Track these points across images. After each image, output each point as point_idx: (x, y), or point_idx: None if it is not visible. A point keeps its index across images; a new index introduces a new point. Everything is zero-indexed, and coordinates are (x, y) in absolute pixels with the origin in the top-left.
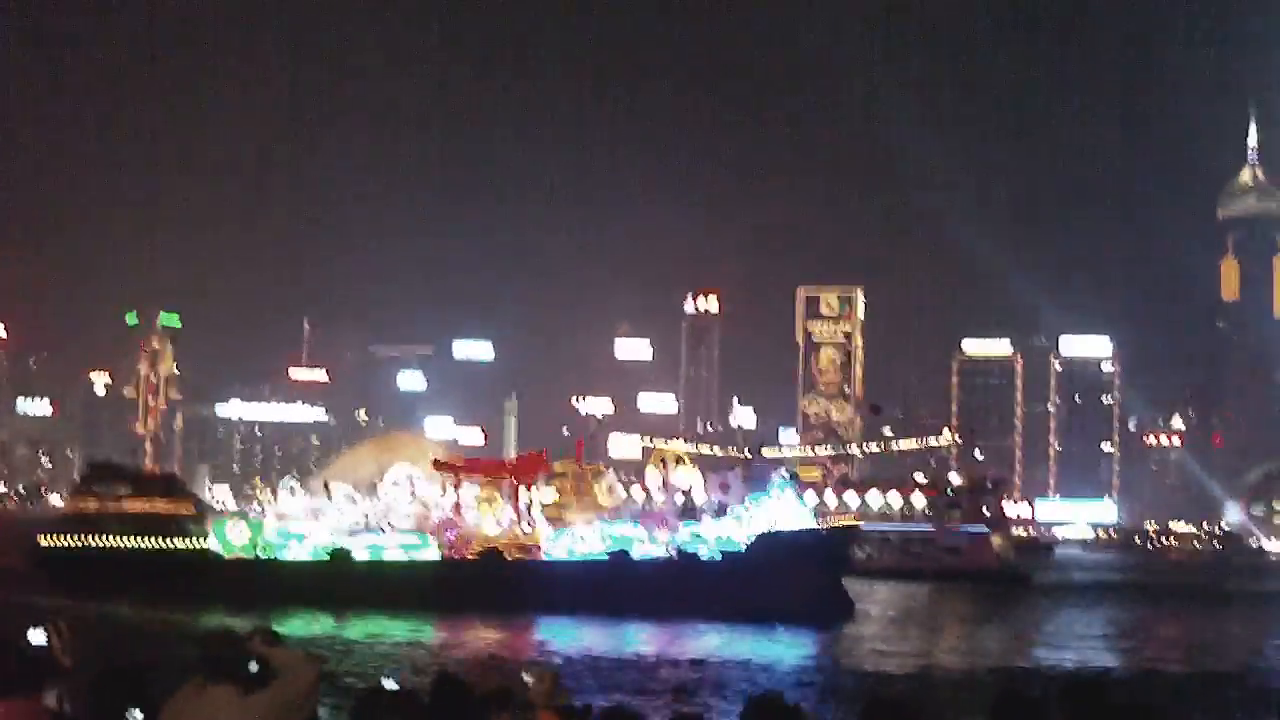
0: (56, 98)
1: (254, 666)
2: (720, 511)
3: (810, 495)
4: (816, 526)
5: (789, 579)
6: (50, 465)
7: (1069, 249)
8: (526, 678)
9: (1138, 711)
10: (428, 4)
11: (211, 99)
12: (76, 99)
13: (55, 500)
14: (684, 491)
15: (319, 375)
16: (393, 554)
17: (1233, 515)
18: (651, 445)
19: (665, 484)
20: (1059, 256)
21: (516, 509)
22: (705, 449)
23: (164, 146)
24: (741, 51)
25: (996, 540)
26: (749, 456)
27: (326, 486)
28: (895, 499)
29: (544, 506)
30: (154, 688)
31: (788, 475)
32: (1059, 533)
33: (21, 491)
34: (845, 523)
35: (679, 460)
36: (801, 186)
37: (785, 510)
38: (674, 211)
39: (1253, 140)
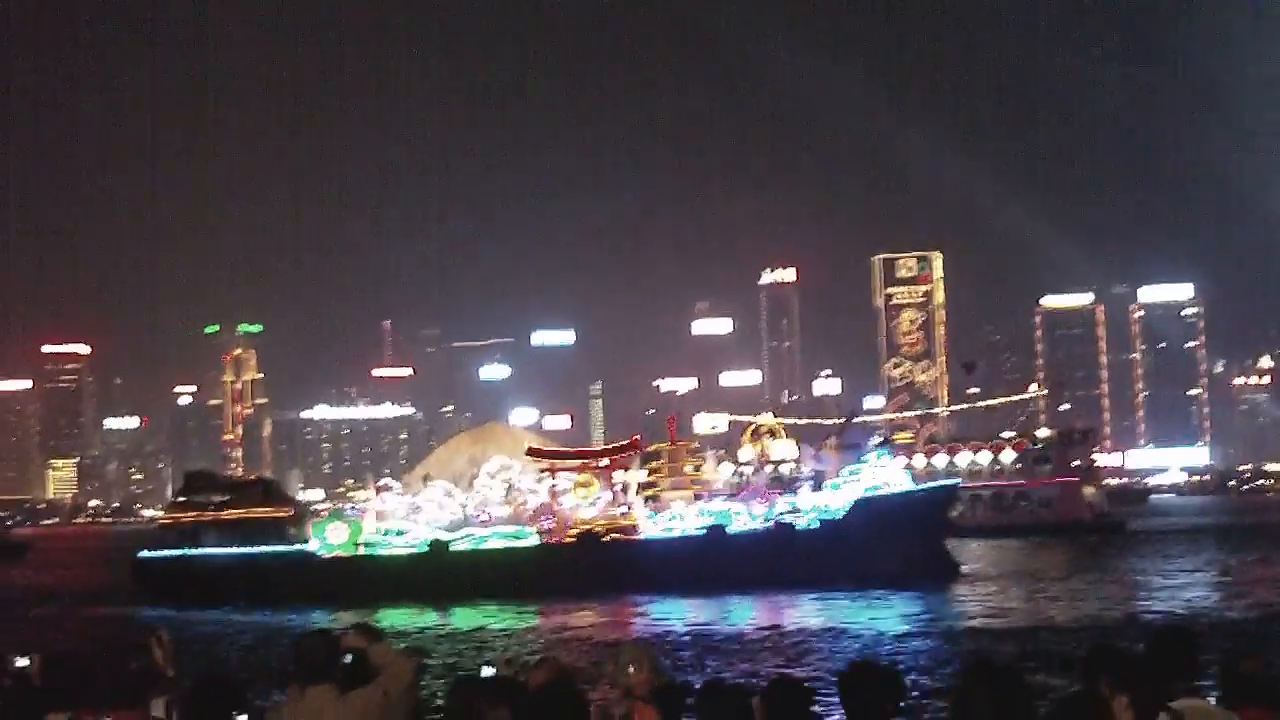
0: (131, 125)
1: (348, 660)
2: (817, 482)
3: (905, 459)
4: (914, 488)
5: (889, 543)
6: (141, 479)
7: (1146, 196)
8: (627, 667)
9: (1234, 659)
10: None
11: (282, 110)
12: (151, 122)
13: (149, 513)
14: (780, 463)
15: (403, 373)
16: (492, 544)
17: None
18: (738, 420)
19: (761, 457)
20: (1137, 204)
21: (613, 493)
22: (794, 420)
23: (236, 159)
24: (803, 20)
25: (1088, 491)
26: (843, 423)
27: (425, 480)
28: (985, 457)
29: (640, 487)
30: (253, 694)
31: (882, 440)
32: (1152, 480)
33: (117, 506)
34: (943, 483)
35: (773, 433)
36: (871, 153)
37: (883, 475)
38: (745, 186)
39: None
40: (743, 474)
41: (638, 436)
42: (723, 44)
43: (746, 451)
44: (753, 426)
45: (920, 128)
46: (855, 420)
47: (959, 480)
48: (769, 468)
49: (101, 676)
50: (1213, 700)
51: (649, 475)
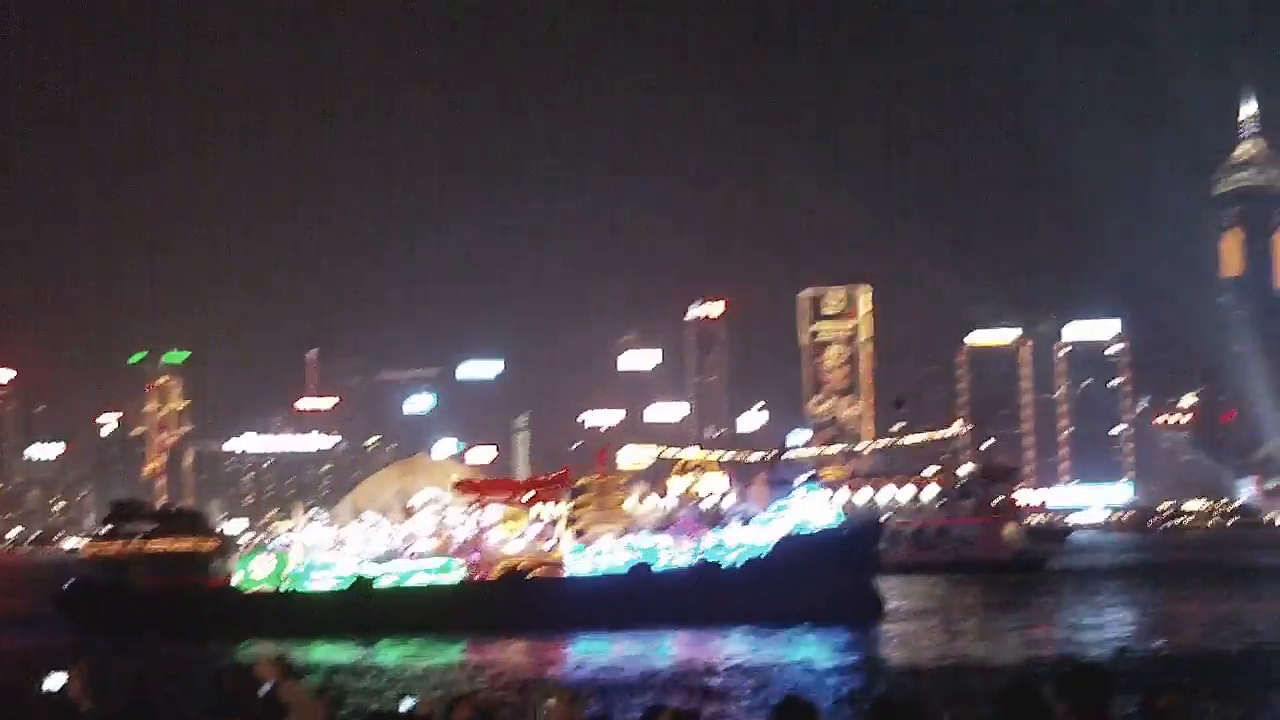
0: (60, 145)
1: (263, 695)
2: (746, 517)
3: (833, 494)
4: (839, 525)
5: (813, 581)
6: (63, 507)
7: (1069, 236)
8: (545, 701)
9: (1152, 690)
10: (421, 32)
11: (212, 136)
12: (79, 146)
13: (70, 543)
14: (709, 498)
15: (327, 404)
16: (418, 579)
17: (1246, 490)
18: (664, 454)
19: (690, 491)
20: (1060, 244)
21: (541, 526)
22: (723, 454)
23: (165, 188)
24: (739, 56)
25: (1009, 529)
26: (773, 458)
27: (351, 514)
28: (907, 493)
29: (568, 522)
30: None
31: (811, 475)
32: (1075, 517)
33: (38, 534)
34: (870, 519)
35: (702, 467)
36: (800, 190)
37: (811, 511)
38: (674, 220)
39: (1250, 113)
40: (671, 508)
41: (566, 469)
42: (656, 78)
43: (675, 485)
44: (682, 460)
45: (849, 164)
46: (784, 455)
47: (886, 516)
48: (697, 502)
49: (19, 706)
50: None
51: (577, 509)
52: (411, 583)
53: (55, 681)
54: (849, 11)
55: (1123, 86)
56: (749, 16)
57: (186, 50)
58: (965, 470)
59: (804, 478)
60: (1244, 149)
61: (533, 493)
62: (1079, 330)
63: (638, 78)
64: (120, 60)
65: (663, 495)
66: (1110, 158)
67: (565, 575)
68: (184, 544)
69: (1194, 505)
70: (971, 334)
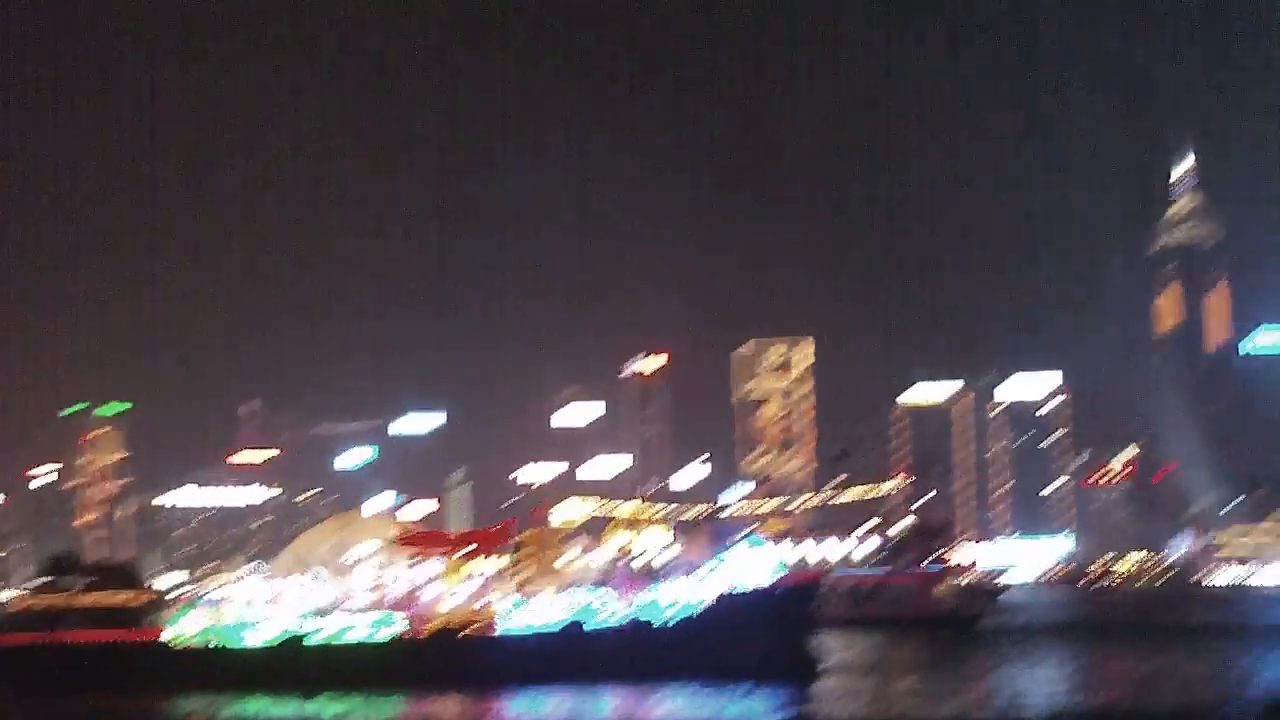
0: None
1: None
2: (687, 571)
3: (776, 549)
4: (774, 584)
5: (749, 638)
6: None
7: (1007, 293)
8: None
9: None
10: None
11: (149, 186)
12: (12, 194)
13: (2, 595)
14: (647, 554)
15: (266, 456)
16: (355, 633)
17: (1182, 546)
18: (602, 510)
19: (628, 546)
20: (998, 301)
21: (479, 581)
22: (662, 509)
23: (100, 237)
24: (676, 110)
25: (943, 585)
26: (711, 513)
27: (289, 568)
28: (843, 548)
29: (507, 577)
30: None
31: (751, 530)
32: (1013, 572)
33: None
34: (806, 578)
35: (643, 522)
36: (742, 243)
37: (750, 567)
38: (614, 274)
39: (1186, 170)
40: (609, 563)
41: (505, 524)
42: (595, 132)
43: (613, 540)
44: (623, 516)
45: (789, 218)
46: (724, 510)
47: (822, 574)
48: (634, 558)
49: None
50: None
51: (516, 564)
52: (346, 639)
53: None
54: (784, 64)
55: (1061, 143)
56: (687, 70)
57: (121, 97)
58: (901, 526)
59: (746, 532)
60: (1178, 207)
61: (472, 547)
62: (1016, 387)
63: (576, 132)
64: (57, 103)
65: (603, 550)
66: (1049, 214)
67: (498, 632)
68: (117, 598)
69: (1128, 562)
70: (909, 389)
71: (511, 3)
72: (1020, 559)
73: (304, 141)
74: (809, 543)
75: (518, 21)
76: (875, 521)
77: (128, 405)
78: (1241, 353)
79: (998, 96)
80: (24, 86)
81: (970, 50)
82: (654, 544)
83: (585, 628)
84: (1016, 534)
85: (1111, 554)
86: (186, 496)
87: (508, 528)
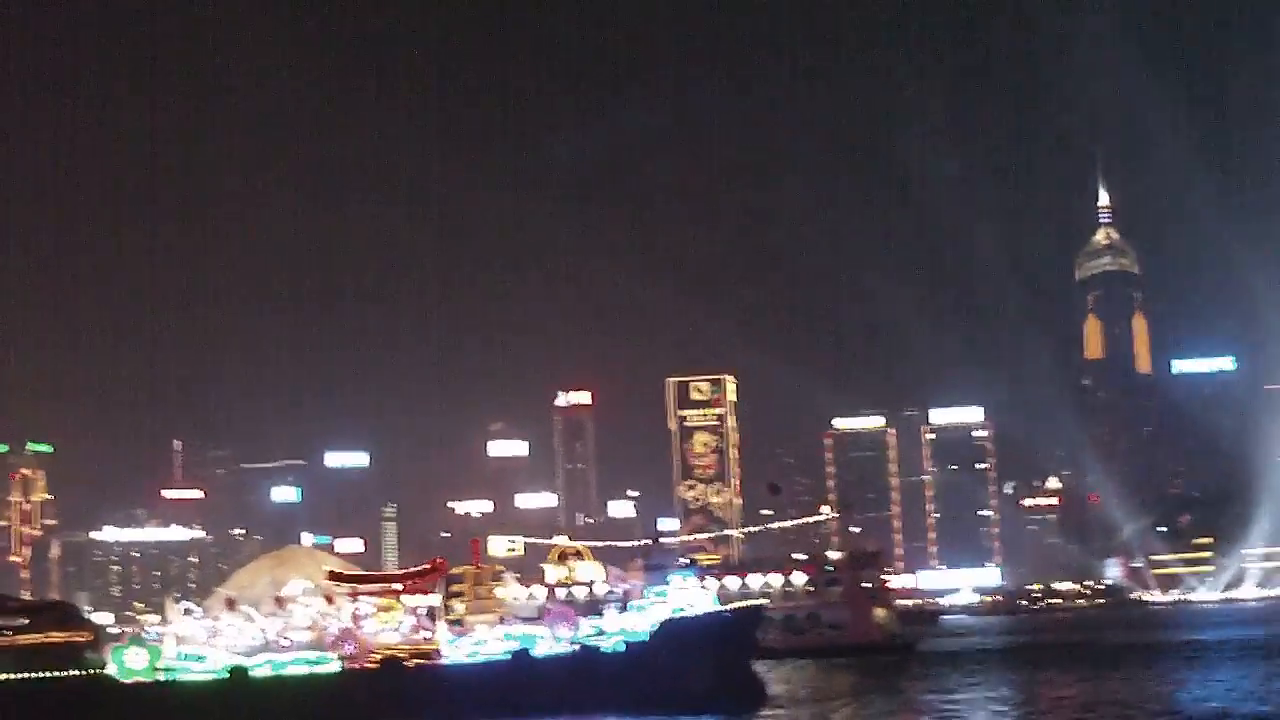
0: None
1: None
2: (623, 604)
3: (709, 580)
4: (718, 612)
5: (695, 666)
6: None
7: (934, 321)
8: None
9: None
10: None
11: (76, 221)
12: None
13: None
14: (586, 585)
15: (193, 494)
16: (294, 669)
17: (1112, 571)
18: (534, 543)
19: (566, 579)
20: (925, 330)
21: (416, 617)
22: (598, 543)
23: (25, 272)
24: (603, 141)
25: (880, 612)
26: (647, 545)
27: (230, 604)
28: (776, 579)
29: (443, 612)
30: None
31: (688, 562)
32: (944, 600)
33: None
34: (749, 604)
35: (579, 555)
36: (667, 277)
37: (687, 597)
38: (539, 309)
39: (1103, 201)
40: (545, 596)
41: (440, 560)
42: (526, 170)
43: (552, 573)
44: (559, 549)
45: (712, 254)
46: (658, 542)
47: (765, 601)
48: (574, 590)
49: None
50: None
51: (451, 599)
52: (289, 672)
53: None
54: (706, 96)
55: (988, 171)
56: (623, 107)
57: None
58: (833, 555)
59: (682, 563)
60: (1102, 235)
61: (406, 584)
62: (944, 416)
63: (509, 169)
64: None
65: (539, 584)
66: (975, 244)
67: (444, 663)
68: (57, 636)
69: (1063, 586)
70: (837, 419)
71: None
72: (954, 585)
73: (236, 172)
74: (747, 575)
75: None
76: (806, 553)
77: (50, 448)
78: (1172, 372)
79: (929, 119)
80: None
81: (900, 79)
82: (591, 575)
83: (532, 655)
84: (944, 566)
85: (1042, 580)
86: (114, 535)
87: (441, 564)
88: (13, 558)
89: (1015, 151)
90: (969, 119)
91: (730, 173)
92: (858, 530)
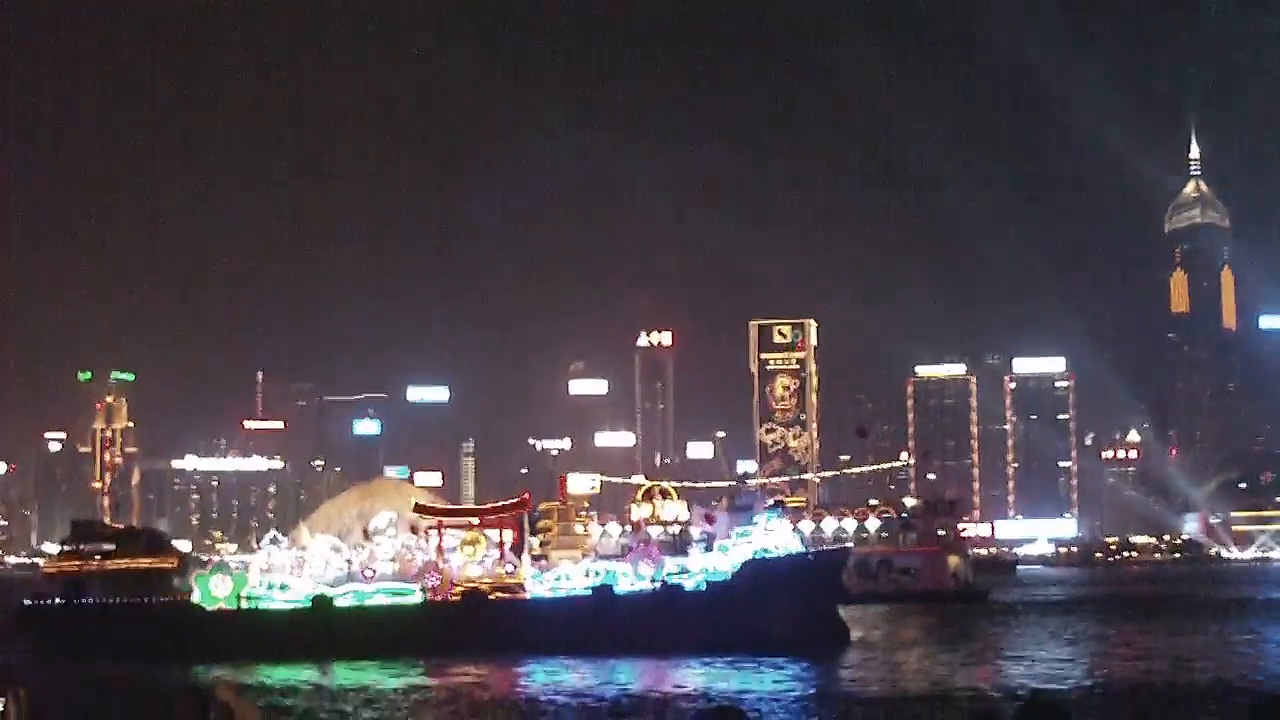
0: (6, 165)
1: (216, 714)
2: (708, 544)
3: (795, 522)
4: (804, 554)
5: (778, 607)
6: (7, 525)
7: (1020, 271)
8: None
9: None
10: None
11: (161, 159)
12: (28, 166)
13: (12, 559)
14: (671, 524)
15: (274, 426)
16: (378, 600)
17: (1191, 525)
18: (611, 482)
19: (652, 517)
20: (1011, 278)
21: (501, 550)
22: (687, 484)
23: (113, 205)
24: (691, 90)
25: (953, 560)
26: (734, 486)
27: (310, 536)
28: (851, 523)
29: (529, 546)
30: None
31: (774, 503)
32: (1021, 550)
33: None
34: (836, 547)
35: (665, 494)
36: (752, 219)
37: (774, 538)
38: (625, 248)
39: (1194, 153)
40: (632, 534)
41: (526, 494)
42: (607, 109)
43: (638, 511)
44: (646, 486)
45: (799, 195)
46: (745, 483)
47: (850, 545)
48: (659, 528)
49: None
50: None
51: (536, 534)
52: (372, 603)
53: None
54: (794, 49)
55: (1076, 122)
56: (703, 53)
57: (129, 68)
58: (910, 502)
59: (767, 504)
60: (1193, 187)
61: (492, 518)
62: (1027, 366)
63: (589, 109)
64: (69, 75)
65: (622, 522)
66: (1062, 195)
67: (527, 597)
68: (143, 562)
69: (1140, 540)
70: (919, 367)
71: None
72: (1031, 535)
73: (315, 114)
74: (823, 518)
75: None
76: (885, 498)
77: (133, 377)
78: (1259, 328)
79: (1007, 77)
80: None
81: (980, 31)
82: (676, 514)
83: (615, 592)
84: (1021, 516)
85: (1119, 533)
86: (194, 464)
87: (527, 499)
88: (94, 485)
89: (1107, 100)
90: (1061, 66)
91: (820, 114)
92: (936, 478)
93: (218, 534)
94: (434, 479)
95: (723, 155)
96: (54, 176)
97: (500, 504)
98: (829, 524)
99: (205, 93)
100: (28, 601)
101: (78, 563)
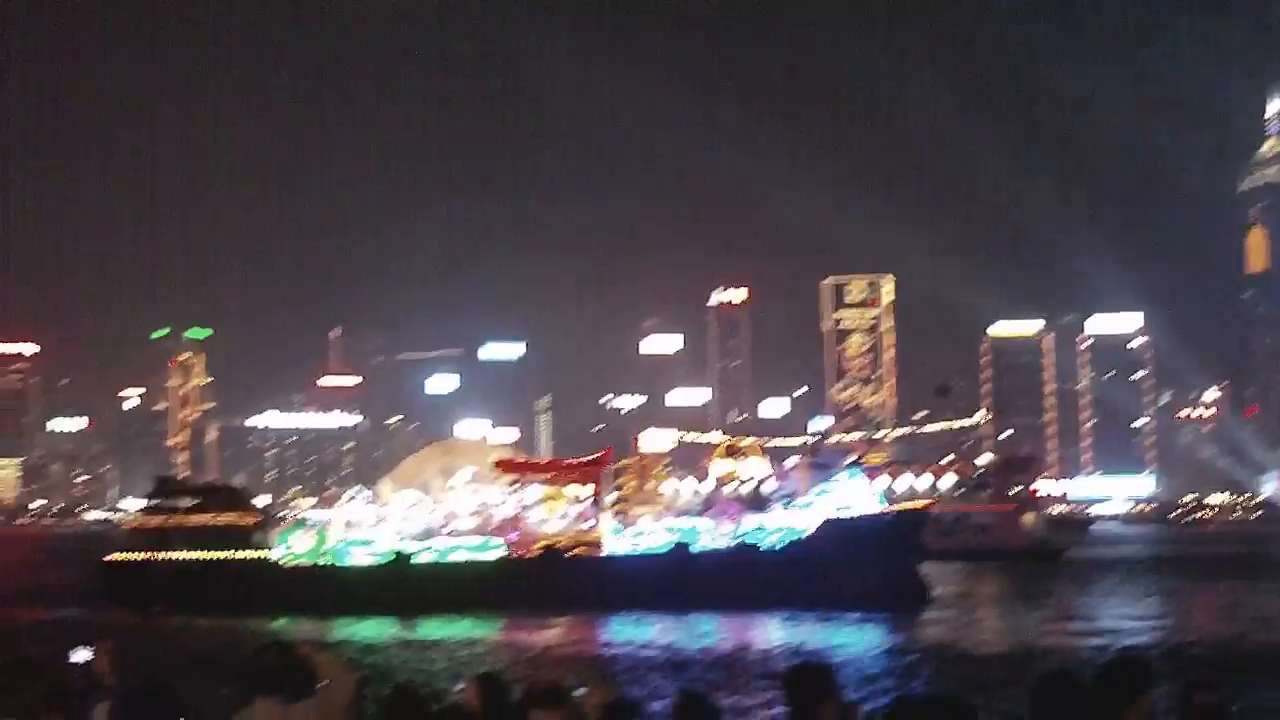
0: (82, 124)
1: (297, 672)
2: (788, 501)
3: (875, 480)
4: (884, 512)
5: (857, 565)
6: (85, 481)
7: (1096, 229)
8: (582, 691)
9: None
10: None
11: (232, 116)
12: (104, 125)
13: (91, 515)
14: (750, 481)
15: (350, 382)
16: (458, 556)
17: (1269, 485)
18: (685, 440)
19: (731, 475)
20: (1086, 236)
21: (580, 507)
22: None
23: (189, 165)
24: (763, 46)
25: (1028, 518)
26: (814, 444)
27: (392, 492)
28: (925, 481)
29: (608, 503)
30: (192, 702)
31: (854, 461)
32: (1096, 509)
33: (60, 507)
34: (916, 506)
35: (745, 451)
36: (826, 177)
37: (854, 497)
38: (700, 206)
39: (1272, 110)
40: (711, 491)
41: (607, 451)
42: (680, 64)
43: (716, 468)
44: (726, 443)
45: (872, 154)
46: (825, 441)
47: (931, 503)
48: (739, 485)
49: (41, 683)
50: None
51: (616, 490)
52: (451, 559)
53: (82, 655)
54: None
55: (1150, 79)
56: (778, 6)
57: (203, 22)
58: (985, 459)
59: (847, 462)
60: (1270, 145)
61: (572, 474)
62: (1102, 323)
63: (662, 63)
64: (138, 29)
65: (701, 479)
66: (1137, 152)
67: (605, 554)
68: (225, 518)
69: (1216, 499)
70: (994, 325)
71: None
72: (1106, 494)
73: (385, 64)
74: (897, 475)
75: None
76: (959, 456)
77: (209, 333)
78: None
79: (1090, 28)
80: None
81: None
82: (756, 472)
83: (692, 550)
84: (1099, 472)
85: (1196, 492)
86: (271, 420)
87: (608, 455)
88: (171, 441)
89: (1182, 55)
90: (1141, 22)
91: (894, 72)
92: (1010, 435)
93: (294, 490)
94: (509, 435)
95: (799, 109)
96: (132, 133)
97: (580, 460)
98: (902, 482)
99: (282, 52)
100: (110, 558)
101: (160, 519)
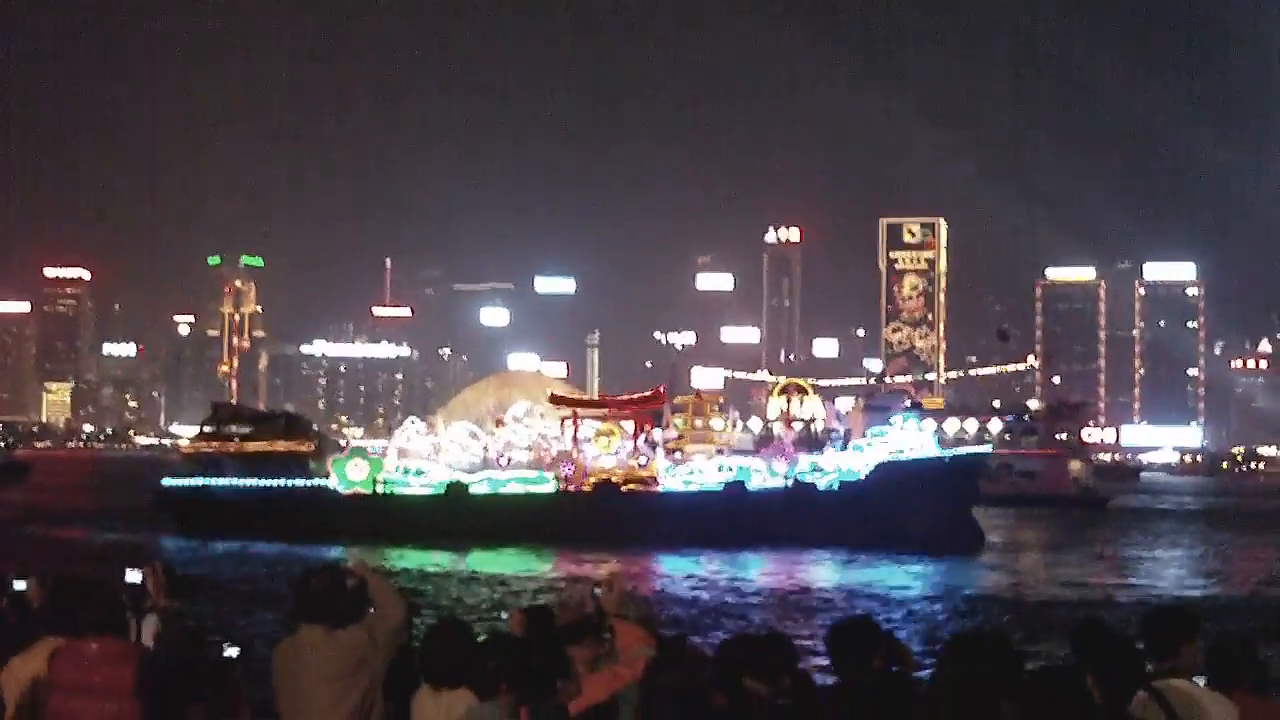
0: (135, 48)
1: (348, 596)
2: (844, 442)
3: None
4: (941, 454)
5: (911, 508)
6: (136, 406)
7: (1152, 176)
8: (597, 590)
9: (1225, 641)
10: None
11: (287, 45)
12: (163, 45)
13: (142, 440)
14: (807, 422)
15: (402, 313)
16: (511, 489)
17: None
18: (735, 378)
19: (786, 414)
20: (1142, 183)
21: (635, 442)
22: (827, 381)
23: (239, 92)
24: None
25: (1075, 465)
26: (873, 385)
27: (448, 423)
28: (972, 425)
29: (663, 440)
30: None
31: (911, 404)
32: (1145, 458)
33: (110, 432)
34: (974, 450)
35: (801, 390)
36: (881, 118)
37: (909, 439)
38: (754, 144)
39: None
40: (767, 430)
41: (663, 387)
42: (730, 7)
43: (773, 407)
44: (782, 383)
45: (928, 98)
46: (883, 382)
47: (989, 448)
48: (795, 425)
49: (94, 602)
50: (1201, 682)
51: (671, 427)
52: (505, 491)
53: (134, 576)
54: None
55: (1205, 28)
56: None
57: None
58: (1033, 405)
59: (905, 405)
60: None
61: (627, 409)
62: (1157, 271)
63: (717, 7)
64: None
65: (761, 417)
66: (1194, 101)
67: (659, 490)
68: (281, 445)
69: (1267, 451)
70: (1049, 270)
71: None
72: (1156, 443)
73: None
74: (949, 418)
75: None
76: (1010, 400)
77: (261, 261)
78: None
79: None
80: None
81: None
82: (812, 412)
83: (747, 488)
84: (1147, 423)
85: (1247, 443)
86: (322, 349)
87: (663, 391)
88: (222, 368)
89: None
90: None
91: (941, 20)
92: (1058, 382)
93: (343, 419)
94: (559, 369)
95: (854, 48)
96: (187, 63)
97: (636, 396)
98: (950, 425)
99: None
100: (167, 482)
101: (216, 444)
